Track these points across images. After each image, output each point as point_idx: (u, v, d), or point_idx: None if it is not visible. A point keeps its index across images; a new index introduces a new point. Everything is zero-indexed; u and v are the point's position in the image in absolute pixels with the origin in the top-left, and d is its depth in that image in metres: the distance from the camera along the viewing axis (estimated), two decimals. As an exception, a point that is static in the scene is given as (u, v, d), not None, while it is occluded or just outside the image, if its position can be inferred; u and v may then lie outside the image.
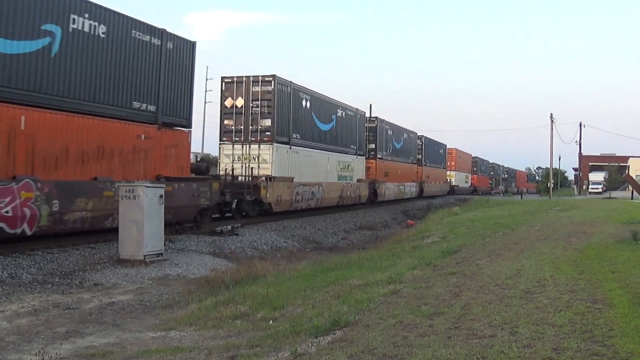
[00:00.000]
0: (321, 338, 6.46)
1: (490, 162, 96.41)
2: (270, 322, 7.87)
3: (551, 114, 61.24)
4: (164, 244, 14.72)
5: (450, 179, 64.71)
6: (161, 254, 14.26)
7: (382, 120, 39.84)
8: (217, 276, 12.31)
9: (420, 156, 51.25)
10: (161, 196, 14.25)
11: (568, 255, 11.43)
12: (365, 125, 37.02)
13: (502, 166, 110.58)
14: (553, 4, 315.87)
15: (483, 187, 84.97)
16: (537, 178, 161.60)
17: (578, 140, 73.33)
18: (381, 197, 38.98)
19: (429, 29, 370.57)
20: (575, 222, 19.67)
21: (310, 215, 27.91)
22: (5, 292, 10.54)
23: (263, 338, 6.88)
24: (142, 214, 13.49)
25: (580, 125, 71.95)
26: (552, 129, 59.94)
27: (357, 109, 34.89)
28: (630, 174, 47.26)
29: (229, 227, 19.95)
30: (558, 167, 76.37)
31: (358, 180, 34.53)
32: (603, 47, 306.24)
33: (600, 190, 71.44)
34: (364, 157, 36.28)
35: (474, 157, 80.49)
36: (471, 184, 76.36)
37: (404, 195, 45.69)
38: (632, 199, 39.56)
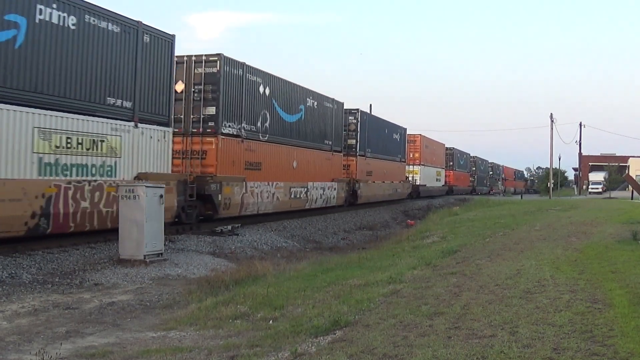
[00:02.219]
0: (321, 338, 6.46)
1: (471, 155, 79.62)
2: (270, 322, 7.87)
3: (551, 114, 61.20)
4: (164, 244, 14.72)
5: (412, 177, 48.08)
6: (161, 253, 14.26)
7: (241, 66, 20.76)
8: (217, 276, 12.31)
9: (353, 141, 33.04)
10: (161, 196, 14.26)
11: (568, 255, 11.43)
12: (206, 71, 19.40)
13: (487, 161, 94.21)
14: (553, 4, 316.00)
15: (462, 186, 69.91)
16: (525, 175, 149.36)
17: (578, 140, 73.44)
18: (236, 209, 20.54)
19: (428, 29, 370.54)
20: (575, 222, 19.67)
21: (310, 215, 27.85)
22: (5, 292, 10.54)
23: (263, 338, 6.88)
24: (142, 214, 13.49)
25: (580, 125, 72.06)
26: (552, 129, 59.97)
27: (164, 33, 17.10)
28: (630, 174, 47.34)
29: (229, 227, 19.95)
30: (558, 167, 76.26)
31: (138, 178, 15.64)
32: (603, 47, 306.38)
33: (600, 190, 71.45)
34: (185, 135, 19.05)
35: (450, 149, 64.90)
36: (445, 182, 61.47)
37: (310, 203, 26.96)
38: (632, 199, 39.56)
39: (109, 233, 15.18)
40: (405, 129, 45.38)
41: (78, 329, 8.33)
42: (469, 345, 5.59)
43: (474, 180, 78.91)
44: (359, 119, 33.65)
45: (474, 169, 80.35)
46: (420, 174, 49.65)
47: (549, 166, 68.80)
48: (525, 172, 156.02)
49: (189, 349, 6.73)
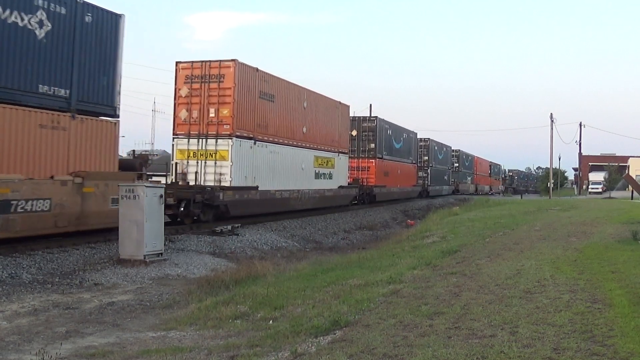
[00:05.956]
0: (321, 338, 6.46)
1: (421, 137, 50.79)
2: (270, 322, 7.87)
3: (551, 114, 61.26)
4: (164, 244, 14.72)
5: (201, 169, 20.55)
6: (161, 253, 14.26)
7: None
8: (217, 276, 12.31)
9: None
10: (161, 196, 14.26)
11: (568, 255, 11.44)
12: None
13: (449, 147, 63.19)
14: (553, 4, 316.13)
15: (400, 186, 42.34)
16: (502, 171, 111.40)
17: (578, 140, 73.53)
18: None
19: (429, 29, 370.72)
20: (575, 222, 19.68)
21: (310, 215, 27.86)
22: (5, 292, 10.54)
23: (263, 338, 6.88)
24: (142, 214, 13.49)
25: (580, 125, 72.16)
26: (552, 129, 60.11)
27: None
28: (630, 174, 47.33)
29: (229, 227, 19.93)
30: (558, 167, 75.92)
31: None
32: (603, 47, 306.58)
33: (600, 190, 71.51)
34: None
35: (369, 119, 38.71)
36: (358, 179, 35.09)
37: None
38: (632, 199, 39.58)
39: (108, 233, 15.19)
40: (122, 17, 15.57)
41: (78, 329, 8.33)
42: (469, 345, 5.59)
43: (425, 176, 51.87)
44: None
45: (426, 158, 52.31)
46: (234, 162, 20.65)
47: (549, 166, 68.66)
48: (502, 166, 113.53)
49: (189, 349, 6.73)
